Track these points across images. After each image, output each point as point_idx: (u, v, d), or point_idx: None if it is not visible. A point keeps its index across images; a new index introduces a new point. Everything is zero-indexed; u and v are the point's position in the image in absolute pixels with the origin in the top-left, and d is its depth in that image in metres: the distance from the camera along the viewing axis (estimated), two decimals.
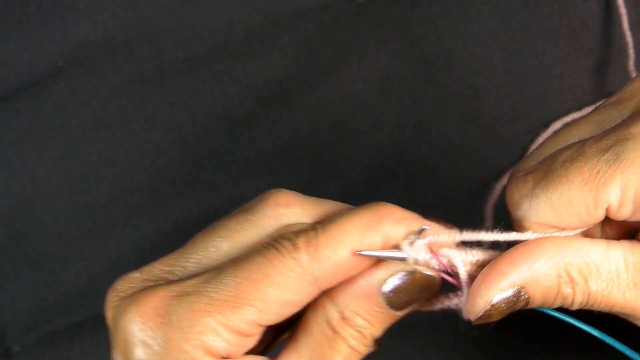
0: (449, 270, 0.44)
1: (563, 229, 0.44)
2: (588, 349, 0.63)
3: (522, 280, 0.42)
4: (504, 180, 0.70)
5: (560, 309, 0.45)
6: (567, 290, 0.42)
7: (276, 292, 0.40)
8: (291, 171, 0.72)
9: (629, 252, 0.43)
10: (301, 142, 0.73)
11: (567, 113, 0.72)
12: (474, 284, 0.43)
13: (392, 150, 0.72)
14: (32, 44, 0.75)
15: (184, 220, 0.72)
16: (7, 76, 0.75)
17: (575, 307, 0.43)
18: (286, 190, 0.45)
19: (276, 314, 0.41)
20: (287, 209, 0.44)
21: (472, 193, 0.71)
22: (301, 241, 0.41)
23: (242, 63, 0.74)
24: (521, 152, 0.72)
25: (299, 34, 0.74)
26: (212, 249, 0.43)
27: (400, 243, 0.42)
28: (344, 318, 0.42)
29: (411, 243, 0.42)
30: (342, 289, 0.42)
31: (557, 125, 0.72)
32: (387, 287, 0.42)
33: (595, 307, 0.43)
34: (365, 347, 0.43)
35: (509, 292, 0.42)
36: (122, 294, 0.42)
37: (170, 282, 0.41)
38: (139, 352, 0.40)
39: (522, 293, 0.42)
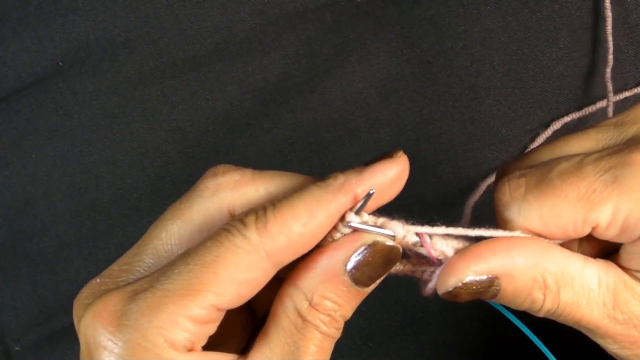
0: (430, 254, 0.44)
1: (545, 238, 0.44)
2: (588, 349, 0.64)
3: (499, 270, 0.42)
4: (490, 179, 0.70)
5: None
6: (539, 295, 0.43)
7: (230, 272, 0.39)
8: (291, 171, 0.72)
9: (604, 273, 0.43)
10: (301, 141, 0.73)
11: (566, 113, 0.72)
12: (451, 259, 0.43)
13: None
14: (32, 44, 0.75)
15: None
16: (7, 76, 0.75)
17: (542, 313, 0.44)
18: (225, 164, 0.45)
19: (235, 295, 0.40)
20: (225, 177, 0.44)
21: (471, 193, 0.71)
22: (250, 219, 0.40)
23: (241, 63, 0.74)
24: (521, 152, 0.72)
25: (299, 34, 0.74)
26: (163, 235, 0.43)
27: (347, 214, 0.42)
28: (312, 304, 0.41)
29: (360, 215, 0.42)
30: (306, 275, 0.42)
31: (556, 125, 0.72)
32: (351, 264, 0.41)
33: (562, 319, 0.44)
34: (337, 331, 0.43)
35: (482, 277, 0.42)
36: (85, 302, 0.42)
37: (127, 284, 0.41)
38: (102, 357, 0.39)
39: (495, 283, 0.42)
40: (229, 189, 0.43)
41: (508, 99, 0.72)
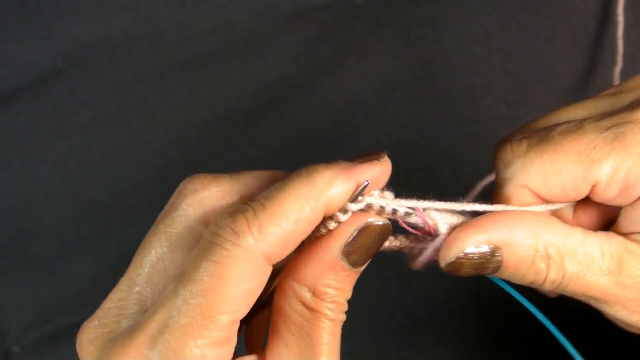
0: (427, 227, 0.45)
1: (543, 200, 0.44)
2: (586, 349, 0.64)
3: (500, 240, 0.43)
4: (486, 179, 0.70)
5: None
6: (541, 266, 0.43)
7: (236, 288, 0.39)
8: (290, 171, 0.72)
9: (606, 241, 0.43)
10: (300, 142, 0.73)
11: None
12: (453, 232, 0.44)
13: (391, 150, 0.71)
14: (32, 45, 0.75)
15: None
16: (7, 76, 0.75)
17: (547, 285, 0.44)
18: (199, 175, 0.44)
19: (246, 304, 0.40)
20: (207, 191, 0.43)
21: (469, 191, 0.71)
22: (242, 225, 0.39)
23: (241, 63, 0.74)
24: None
25: (298, 34, 0.74)
26: (155, 262, 0.42)
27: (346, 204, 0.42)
28: (316, 294, 0.42)
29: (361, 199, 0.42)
30: (305, 267, 0.42)
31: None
32: (347, 249, 0.42)
33: (568, 290, 0.44)
34: (343, 314, 0.43)
35: (484, 248, 0.43)
36: (91, 348, 0.41)
37: (133, 328, 0.40)
38: None
39: (497, 254, 0.43)
40: (214, 203, 0.43)
41: (507, 99, 0.72)
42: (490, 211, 0.45)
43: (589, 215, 0.47)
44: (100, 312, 0.42)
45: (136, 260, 0.43)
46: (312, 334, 0.42)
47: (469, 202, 0.45)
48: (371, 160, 0.43)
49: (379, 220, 0.43)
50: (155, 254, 0.42)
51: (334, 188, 0.41)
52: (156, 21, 0.75)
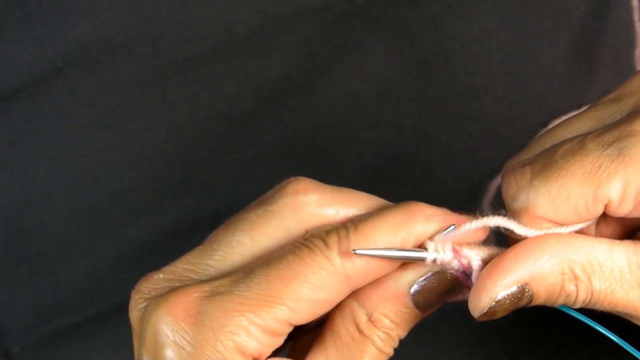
0: (466, 270, 0.44)
1: (560, 224, 0.43)
2: (585, 348, 0.64)
3: (527, 276, 0.42)
4: (498, 179, 0.70)
5: (581, 310, 0.44)
6: (571, 288, 0.42)
7: (309, 290, 0.40)
8: (290, 171, 0.72)
9: (633, 252, 0.42)
10: (300, 142, 0.73)
11: (566, 112, 0.72)
12: (477, 279, 0.43)
13: (391, 150, 0.72)
14: (31, 44, 0.75)
15: (183, 220, 0.72)
16: (6, 76, 0.75)
17: (578, 304, 0.43)
18: (304, 178, 0.45)
19: (308, 313, 0.40)
20: (307, 196, 0.44)
21: (471, 193, 0.71)
22: (333, 240, 0.41)
23: (241, 63, 0.74)
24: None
25: (299, 34, 0.74)
26: (234, 244, 0.43)
27: (426, 242, 0.42)
28: (371, 320, 0.42)
29: (434, 241, 0.42)
30: (370, 291, 0.42)
31: (556, 124, 0.72)
32: (416, 287, 0.42)
33: (598, 306, 0.43)
34: (391, 348, 0.43)
35: (513, 289, 0.42)
36: (147, 295, 0.42)
37: (200, 282, 0.41)
38: (170, 352, 0.40)
39: (527, 290, 0.42)
40: (310, 210, 0.43)
41: (507, 98, 0.72)
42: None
43: (612, 227, 0.46)
44: (167, 268, 0.43)
45: (218, 236, 0.44)
46: (355, 355, 0.42)
47: (488, 215, 0.44)
48: (472, 215, 0.44)
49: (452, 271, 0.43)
50: (237, 238, 0.43)
51: (429, 225, 0.42)
52: (156, 21, 0.75)
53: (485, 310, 0.42)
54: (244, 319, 0.39)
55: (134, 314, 0.42)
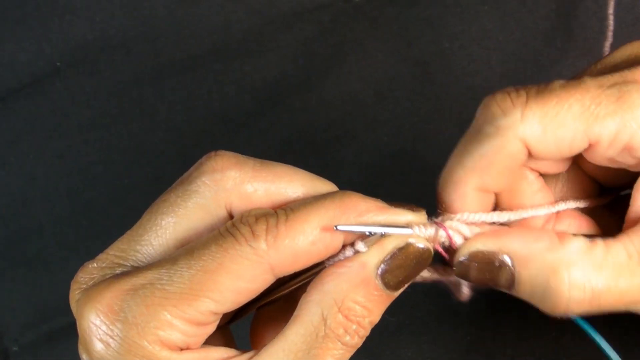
0: (452, 245, 0.43)
1: (531, 157, 0.42)
2: (586, 349, 0.64)
3: (511, 249, 0.41)
4: None
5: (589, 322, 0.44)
6: (563, 286, 0.41)
7: (232, 281, 0.39)
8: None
9: (629, 241, 0.42)
10: (298, 142, 0.72)
11: None
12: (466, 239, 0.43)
13: (389, 150, 0.72)
14: (29, 45, 0.75)
15: None
16: (5, 76, 0.75)
17: (574, 308, 0.42)
18: (223, 152, 0.44)
19: (232, 302, 0.40)
20: (224, 173, 0.43)
21: None
22: (261, 228, 0.40)
23: (239, 63, 0.74)
24: None
25: (296, 34, 0.74)
26: (157, 228, 0.43)
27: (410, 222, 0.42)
28: (341, 310, 0.41)
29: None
30: (336, 280, 0.41)
31: None
32: (383, 267, 0.41)
33: (603, 304, 0.42)
34: (360, 339, 0.42)
35: (491, 249, 0.42)
36: (84, 285, 0.42)
37: (124, 274, 0.41)
38: (97, 348, 0.40)
39: (511, 265, 0.41)
40: (227, 188, 0.42)
41: None
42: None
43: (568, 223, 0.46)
44: (101, 256, 0.43)
45: (143, 220, 0.43)
46: (318, 352, 0.41)
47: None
48: (408, 208, 0.43)
49: (421, 243, 0.42)
50: (160, 220, 0.43)
51: (360, 219, 0.41)
52: (154, 21, 0.75)
53: (460, 259, 0.42)
54: (167, 314, 0.39)
55: (72, 305, 0.42)
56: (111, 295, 0.40)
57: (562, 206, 0.46)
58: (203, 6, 0.75)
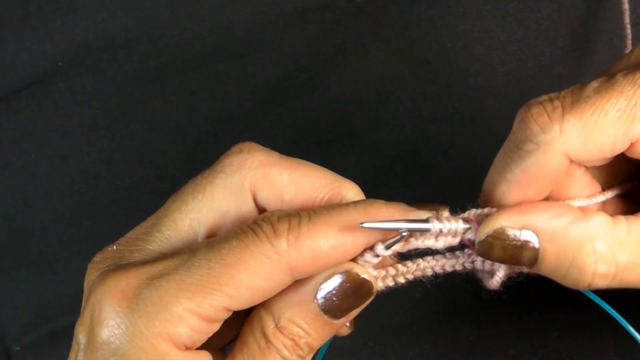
0: (466, 242, 0.43)
1: (575, 164, 0.42)
2: (587, 348, 0.63)
3: (536, 225, 0.41)
4: None
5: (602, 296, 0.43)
6: (588, 260, 0.41)
7: (249, 277, 0.39)
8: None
9: None
10: (301, 142, 0.72)
11: None
12: (490, 216, 0.42)
13: (391, 150, 0.72)
14: (32, 44, 0.75)
15: None
16: (7, 76, 0.75)
17: (597, 282, 0.41)
18: (249, 142, 0.44)
19: (247, 299, 0.40)
20: (250, 154, 0.43)
21: (471, 193, 0.71)
22: (283, 227, 0.40)
23: (241, 63, 0.74)
24: None
25: (299, 34, 0.74)
26: (183, 207, 0.43)
27: (428, 217, 0.42)
28: (278, 327, 0.41)
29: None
30: (277, 298, 0.41)
31: None
32: (322, 292, 0.41)
33: (624, 282, 0.41)
34: (298, 358, 0.42)
35: (517, 231, 0.41)
36: (101, 266, 0.42)
37: (144, 262, 0.41)
38: (103, 333, 0.39)
39: (536, 241, 0.41)
40: (253, 168, 0.43)
41: (508, 98, 0.72)
42: None
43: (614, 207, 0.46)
44: (122, 240, 0.44)
45: (168, 203, 0.44)
46: None
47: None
48: (430, 208, 0.43)
49: (362, 274, 0.42)
50: (184, 200, 0.43)
51: (381, 230, 0.41)
52: (156, 21, 0.75)
53: (482, 239, 0.42)
54: (179, 306, 0.39)
55: (86, 284, 0.42)
56: (127, 282, 0.39)
57: (607, 194, 0.46)
58: (205, 6, 0.75)
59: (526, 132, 0.43)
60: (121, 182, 0.73)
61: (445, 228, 0.43)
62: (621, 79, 0.41)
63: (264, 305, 0.41)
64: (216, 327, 0.41)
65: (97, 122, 0.74)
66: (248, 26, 0.74)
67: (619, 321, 0.44)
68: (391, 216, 0.41)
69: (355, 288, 0.41)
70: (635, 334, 0.44)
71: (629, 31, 0.71)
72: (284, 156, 0.44)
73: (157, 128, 0.74)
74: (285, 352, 0.41)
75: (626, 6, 0.71)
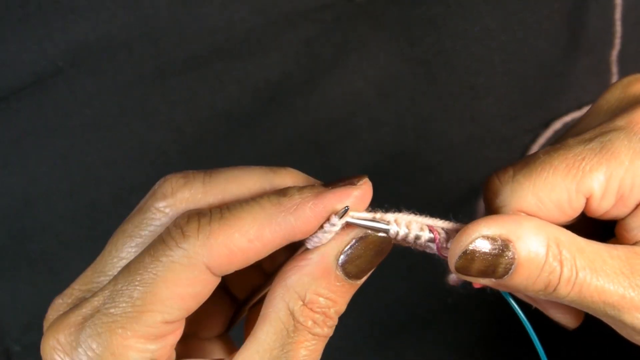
0: (436, 241, 0.43)
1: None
2: (590, 348, 0.63)
3: (511, 233, 0.41)
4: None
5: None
6: (554, 264, 0.41)
7: (170, 290, 0.39)
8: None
9: (612, 247, 0.42)
10: (301, 141, 0.73)
11: (567, 112, 0.72)
12: (462, 229, 0.42)
13: (391, 150, 0.72)
14: (32, 44, 0.75)
15: None
16: (7, 76, 0.75)
17: (562, 289, 0.42)
18: (172, 176, 0.44)
19: (180, 309, 0.39)
20: (175, 197, 0.43)
21: (471, 192, 0.71)
22: (192, 227, 0.39)
23: (241, 63, 0.74)
24: (521, 152, 0.72)
25: (299, 33, 0.74)
26: (116, 261, 0.42)
27: (385, 216, 0.42)
28: (305, 303, 0.40)
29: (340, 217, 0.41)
30: (298, 273, 0.41)
31: (556, 124, 0.72)
32: (343, 258, 0.41)
33: (584, 296, 0.42)
34: (329, 329, 0.42)
35: (494, 241, 0.41)
36: (50, 319, 0.42)
37: (76, 307, 0.41)
38: None
39: (509, 250, 0.41)
40: (181, 209, 0.42)
41: (508, 98, 0.72)
42: None
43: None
44: (67, 291, 0.43)
45: (104, 252, 0.43)
46: (292, 347, 0.41)
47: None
48: (346, 185, 0.41)
49: (380, 233, 0.41)
50: (120, 251, 0.42)
51: (298, 217, 0.40)
52: (156, 20, 0.75)
53: (461, 253, 0.41)
54: (118, 337, 0.38)
55: (42, 343, 0.42)
56: (66, 331, 0.39)
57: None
58: (206, 6, 0.75)
59: (486, 202, 0.44)
60: (121, 181, 0.73)
61: (407, 235, 0.43)
62: (571, 140, 0.42)
63: (284, 284, 0.41)
64: (172, 338, 0.40)
65: (97, 121, 0.74)
66: (248, 26, 0.74)
67: (527, 328, 0.45)
68: (303, 202, 0.40)
69: (375, 248, 0.41)
70: (538, 343, 0.45)
71: (618, 27, 0.71)
72: (208, 178, 0.43)
73: (157, 128, 0.74)
74: (317, 329, 0.41)
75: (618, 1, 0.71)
